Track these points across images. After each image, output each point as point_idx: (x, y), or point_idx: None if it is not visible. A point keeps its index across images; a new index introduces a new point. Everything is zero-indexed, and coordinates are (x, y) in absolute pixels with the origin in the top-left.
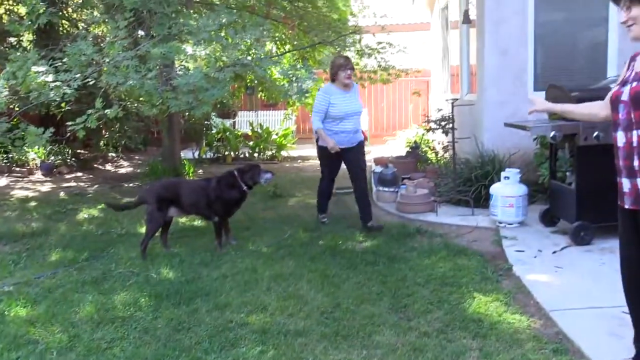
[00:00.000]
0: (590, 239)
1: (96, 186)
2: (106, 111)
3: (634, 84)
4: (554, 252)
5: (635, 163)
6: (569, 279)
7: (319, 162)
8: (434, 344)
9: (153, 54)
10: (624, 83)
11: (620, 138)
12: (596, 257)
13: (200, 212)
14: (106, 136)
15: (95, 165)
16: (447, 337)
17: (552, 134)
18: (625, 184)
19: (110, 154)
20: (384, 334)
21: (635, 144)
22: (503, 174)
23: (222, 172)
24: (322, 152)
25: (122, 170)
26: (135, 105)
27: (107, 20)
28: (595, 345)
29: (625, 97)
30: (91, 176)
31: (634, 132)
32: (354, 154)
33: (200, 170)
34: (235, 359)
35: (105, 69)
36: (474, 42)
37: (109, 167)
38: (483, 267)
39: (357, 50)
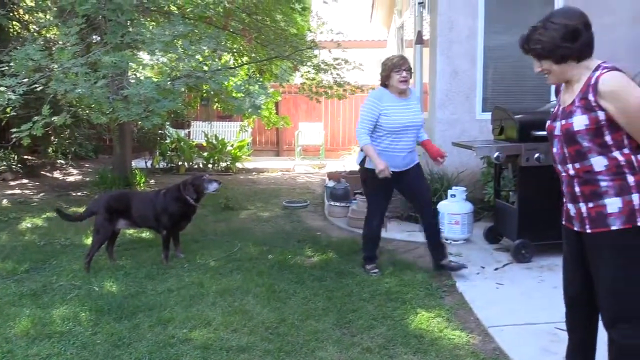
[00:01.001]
0: (530, 256)
1: (42, 194)
2: (53, 118)
3: (563, 121)
4: (496, 269)
5: (577, 189)
6: (508, 296)
7: (363, 190)
8: None
9: (104, 62)
10: (554, 118)
11: (560, 169)
12: (535, 274)
13: (149, 224)
14: (55, 142)
15: (42, 173)
16: (389, 353)
17: (495, 154)
18: (571, 208)
19: (59, 161)
20: (327, 350)
21: (573, 174)
22: (450, 192)
23: (170, 185)
24: (371, 177)
25: (71, 178)
26: (87, 112)
27: (59, 24)
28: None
29: (557, 132)
30: (37, 184)
31: (569, 166)
32: (413, 179)
33: (152, 181)
34: None
35: (54, 75)
36: (427, 62)
37: (57, 174)
38: (428, 283)
39: (314, 65)
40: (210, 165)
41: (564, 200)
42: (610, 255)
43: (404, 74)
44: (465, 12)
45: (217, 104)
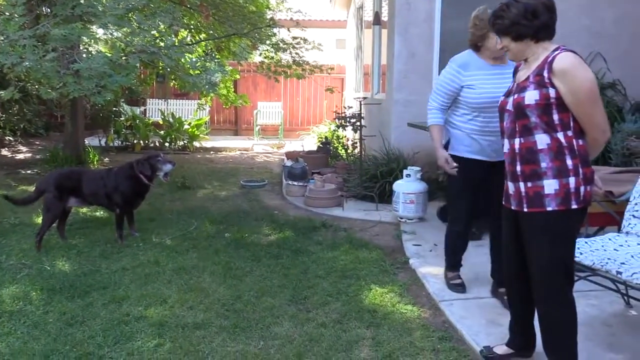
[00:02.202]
0: (480, 234)
1: None
2: (0, 93)
3: (516, 95)
4: None
5: (518, 168)
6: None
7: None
8: (330, 334)
9: (53, 34)
10: (508, 94)
11: (506, 145)
12: (485, 251)
13: (101, 202)
14: (3, 119)
15: None
16: (343, 327)
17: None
18: (510, 187)
19: (7, 138)
20: (283, 325)
21: (517, 151)
22: (405, 172)
23: (123, 162)
24: (457, 168)
25: (20, 156)
26: (36, 87)
27: None
28: (476, 332)
29: (509, 106)
30: None
31: (516, 140)
32: (501, 177)
33: (107, 159)
34: (130, 353)
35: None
36: (385, 43)
37: (5, 152)
38: (382, 260)
39: (273, 44)
40: (167, 144)
41: (505, 178)
42: (542, 235)
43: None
44: None
45: (173, 81)
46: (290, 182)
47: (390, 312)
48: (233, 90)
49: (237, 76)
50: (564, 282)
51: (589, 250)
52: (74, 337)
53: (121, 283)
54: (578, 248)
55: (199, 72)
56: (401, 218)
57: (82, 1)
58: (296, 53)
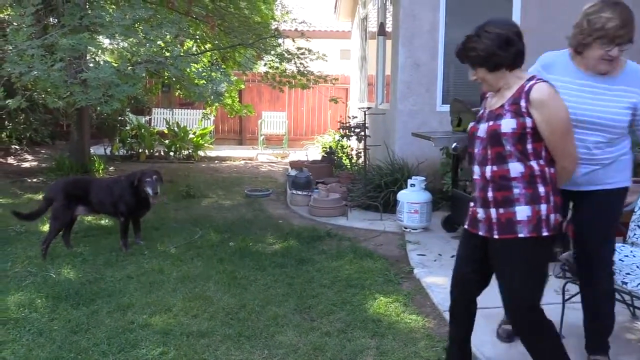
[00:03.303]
0: None
1: None
2: (8, 101)
3: (491, 122)
4: (452, 256)
5: (489, 195)
6: None
7: None
8: (335, 344)
9: (61, 44)
10: (479, 120)
11: (476, 171)
12: None
13: (107, 211)
14: (9, 127)
15: None
16: (347, 337)
17: (453, 145)
18: (480, 212)
19: (13, 147)
20: (287, 334)
21: (489, 178)
22: (409, 182)
23: (129, 172)
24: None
25: (26, 164)
26: (43, 96)
27: (13, 4)
28: (482, 342)
29: (481, 133)
30: None
31: (488, 167)
32: (589, 213)
33: (112, 168)
34: None
35: (8, 56)
36: (389, 54)
37: (11, 160)
38: (387, 270)
39: (278, 54)
40: (171, 153)
41: (472, 204)
42: (513, 262)
43: (615, 51)
44: (427, 6)
45: (178, 90)
46: (294, 192)
47: (395, 322)
48: (238, 100)
49: (242, 86)
50: (532, 310)
51: None
52: (79, 345)
53: (126, 291)
54: None
55: (204, 82)
56: (405, 228)
57: (89, 12)
58: (301, 63)
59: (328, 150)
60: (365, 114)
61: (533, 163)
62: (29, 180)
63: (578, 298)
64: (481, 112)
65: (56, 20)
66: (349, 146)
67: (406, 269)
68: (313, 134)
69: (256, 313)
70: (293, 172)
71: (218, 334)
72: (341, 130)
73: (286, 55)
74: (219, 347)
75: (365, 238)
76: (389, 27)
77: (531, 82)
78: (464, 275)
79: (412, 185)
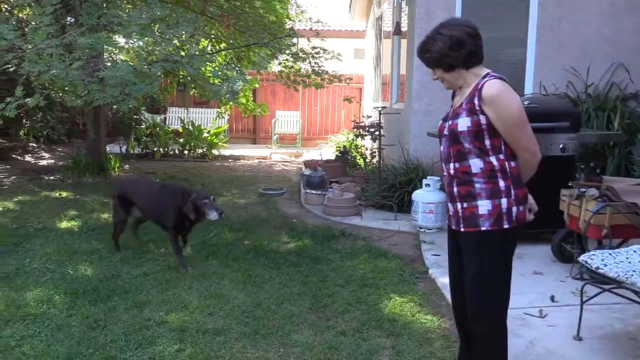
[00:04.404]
0: None
1: (13, 177)
2: (27, 100)
3: (451, 121)
4: None
5: (455, 189)
6: None
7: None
8: (350, 343)
9: (80, 43)
10: (445, 118)
11: (444, 168)
12: None
13: (155, 220)
14: (27, 125)
15: (13, 156)
16: (363, 336)
17: None
18: (450, 207)
19: (30, 145)
20: (302, 333)
21: (453, 174)
22: (424, 182)
23: (171, 183)
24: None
25: (43, 162)
26: (60, 94)
27: (32, 4)
28: None
29: (445, 131)
30: (8, 167)
31: (451, 164)
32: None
33: (127, 166)
34: (152, 357)
35: (27, 55)
36: (404, 53)
37: (28, 158)
38: (401, 270)
39: (292, 53)
40: (186, 152)
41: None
42: (475, 254)
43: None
44: (442, 5)
45: (193, 89)
46: (308, 191)
47: (410, 322)
48: (252, 99)
49: (257, 85)
50: (497, 304)
51: (614, 262)
52: (97, 341)
53: (142, 288)
54: (602, 260)
55: (220, 80)
56: (420, 228)
57: (107, 11)
58: (315, 62)
59: (342, 149)
60: (380, 113)
61: (492, 159)
62: (46, 178)
63: (596, 300)
64: (448, 110)
65: (74, 19)
66: (363, 146)
67: (421, 269)
68: (327, 134)
69: (271, 311)
70: (307, 172)
71: (234, 331)
72: (355, 129)
73: (301, 54)
74: (235, 345)
75: (380, 238)
76: (404, 27)
77: (484, 80)
78: (452, 267)
79: (427, 185)
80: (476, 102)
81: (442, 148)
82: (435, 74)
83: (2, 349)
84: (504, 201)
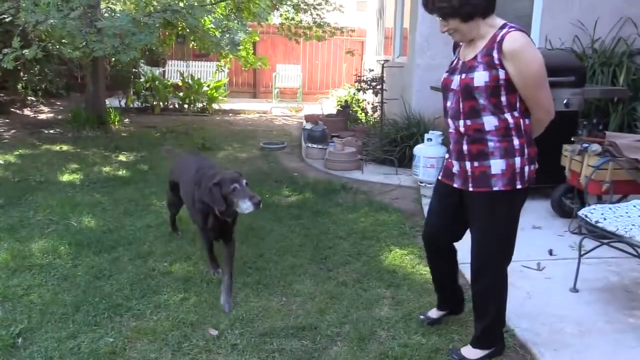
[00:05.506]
0: None
1: (13, 131)
2: (24, 51)
3: (463, 75)
4: None
5: (465, 147)
6: None
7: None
8: (350, 293)
9: None
10: (452, 71)
11: (450, 124)
12: None
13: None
14: (25, 79)
15: (12, 110)
16: (363, 287)
17: None
18: (455, 165)
19: (29, 98)
20: (304, 283)
21: (463, 132)
22: (426, 136)
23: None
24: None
25: (42, 116)
26: (57, 47)
27: None
28: None
29: (454, 86)
30: (7, 121)
31: (461, 122)
32: None
33: (127, 120)
34: (157, 306)
35: (23, 5)
36: (408, 6)
37: (27, 111)
38: (402, 223)
39: (293, 5)
40: (186, 106)
41: (447, 157)
42: (486, 214)
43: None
44: None
45: (193, 42)
46: (310, 145)
47: (410, 273)
48: (252, 52)
49: (257, 38)
50: (502, 260)
51: (613, 216)
52: (103, 290)
53: (146, 239)
54: (602, 214)
55: (221, 31)
56: (421, 182)
57: None
58: (317, 14)
59: (343, 104)
60: (383, 67)
61: (507, 116)
62: (46, 132)
63: (593, 253)
64: (454, 62)
65: None
66: (365, 100)
67: (421, 223)
68: (328, 88)
69: (273, 262)
70: (308, 126)
71: (237, 281)
72: (357, 83)
73: (302, 5)
74: (238, 294)
75: (381, 192)
76: None
77: (503, 31)
78: (433, 228)
79: (429, 139)
80: (495, 55)
81: (449, 104)
82: (447, 25)
83: (10, 297)
84: (517, 160)
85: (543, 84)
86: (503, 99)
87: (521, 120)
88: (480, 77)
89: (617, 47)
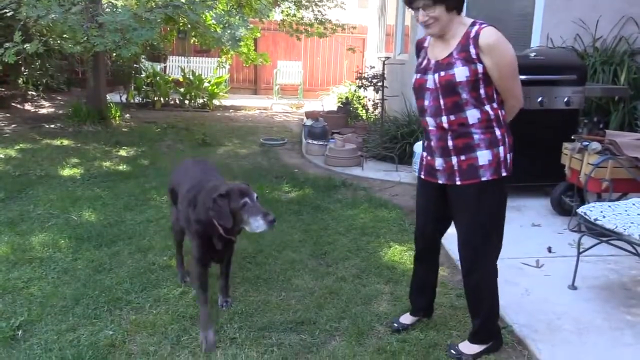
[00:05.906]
0: None
1: (14, 126)
2: (25, 46)
3: (442, 72)
4: None
5: (449, 143)
6: None
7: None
8: (349, 288)
9: None
10: (424, 71)
11: (430, 122)
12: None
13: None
14: (26, 73)
15: (12, 104)
16: (362, 282)
17: None
18: (438, 162)
19: (30, 93)
20: (303, 278)
21: (446, 127)
22: None
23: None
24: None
25: (43, 111)
26: (58, 41)
27: None
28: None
29: (430, 85)
30: (8, 115)
31: (444, 117)
32: None
33: (128, 115)
34: (156, 299)
35: (24, 0)
36: None
37: (28, 106)
38: (401, 220)
39: (295, 1)
40: (186, 102)
41: (426, 155)
42: (475, 205)
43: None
44: None
45: (194, 37)
46: (310, 141)
47: (409, 270)
48: (253, 48)
49: (258, 34)
50: (492, 251)
51: (612, 214)
52: (103, 283)
53: (146, 234)
54: (601, 211)
55: (222, 27)
56: None
57: None
58: (318, 11)
59: (344, 100)
60: (384, 64)
61: (487, 108)
62: (47, 126)
63: (592, 251)
64: (424, 63)
65: None
66: (365, 97)
67: None
68: (328, 85)
69: (273, 257)
70: (309, 122)
71: (236, 276)
72: (358, 80)
73: (304, 2)
74: (238, 289)
75: (381, 188)
76: None
77: (476, 27)
78: (424, 224)
79: None
80: (472, 50)
81: (426, 102)
82: (433, 13)
83: (10, 290)
84: (501, 149)
85: (516, 74)
86: (482, 91)
87: (499, 112)
88: (461, 73)
89: (618, 46)
